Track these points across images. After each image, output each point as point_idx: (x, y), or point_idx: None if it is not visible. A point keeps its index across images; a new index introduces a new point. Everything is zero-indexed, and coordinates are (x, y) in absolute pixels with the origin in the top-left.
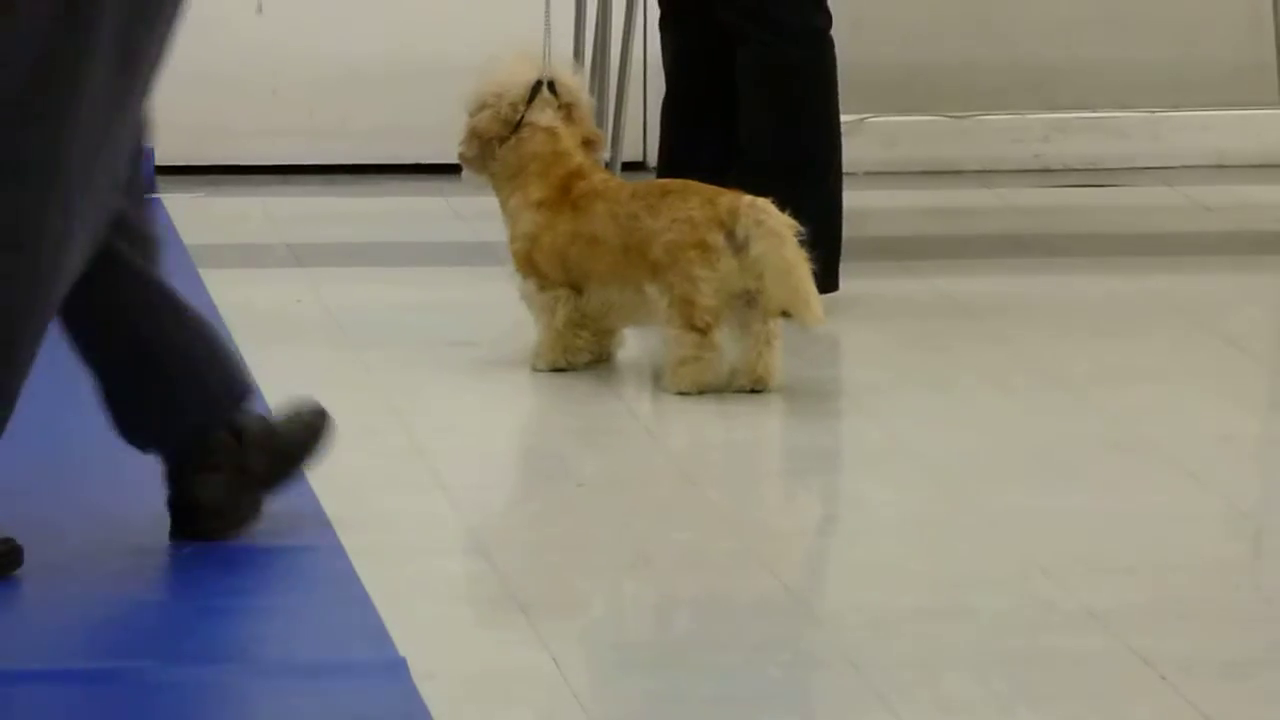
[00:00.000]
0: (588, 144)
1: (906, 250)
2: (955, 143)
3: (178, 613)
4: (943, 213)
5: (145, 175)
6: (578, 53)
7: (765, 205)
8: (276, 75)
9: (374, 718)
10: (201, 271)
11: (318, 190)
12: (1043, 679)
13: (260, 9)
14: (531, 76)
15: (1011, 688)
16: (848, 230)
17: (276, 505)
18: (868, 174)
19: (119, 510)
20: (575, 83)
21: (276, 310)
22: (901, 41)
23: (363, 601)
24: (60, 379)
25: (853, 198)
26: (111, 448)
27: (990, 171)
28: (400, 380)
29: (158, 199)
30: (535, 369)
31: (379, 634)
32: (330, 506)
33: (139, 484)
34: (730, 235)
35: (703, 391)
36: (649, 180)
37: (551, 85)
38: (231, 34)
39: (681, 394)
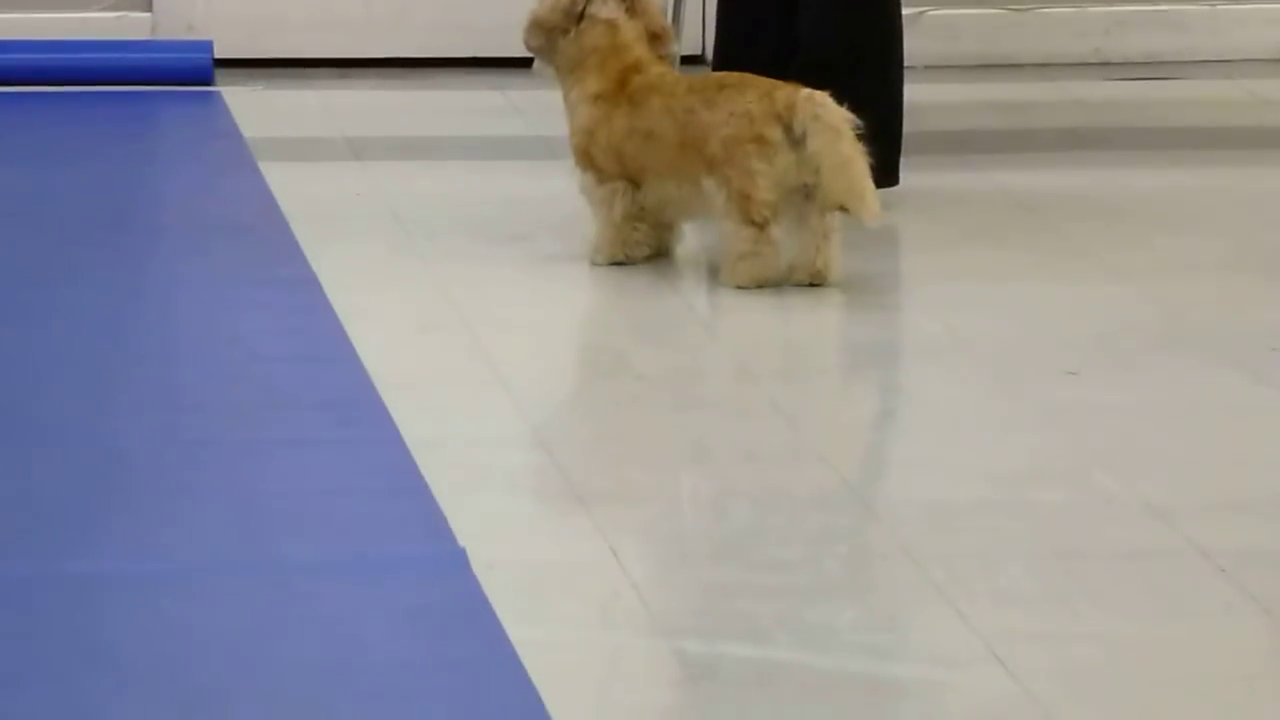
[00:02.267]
0: (654, 38)
1: (966, 144)
2: (1015, 36)
3: (231, 508)
4: (1002, 106)
5: (204, 68)
6: None
7: (823, 99)
8: None
9: (434, 608)
10: (261, 164)
11: (376, 84)
12: (1101, 572)
13: None
14: None
15: (1069, 581)
16: (907, 125)
17: (334, 395)
18: (927, 67)
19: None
20: None
21: (335, 204)
22: None
23: (422, 493)
24: None
25: (912, 91)
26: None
27: (1050, 65)
28: (458, 274)
29: (217, 92)
30: (594, 263)
31: (439, 525)
32: (389, 398)
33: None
34: (788, 129)
35: (761, 286)
36: (706, 74)
37: None
38: None
39: (739, 288)
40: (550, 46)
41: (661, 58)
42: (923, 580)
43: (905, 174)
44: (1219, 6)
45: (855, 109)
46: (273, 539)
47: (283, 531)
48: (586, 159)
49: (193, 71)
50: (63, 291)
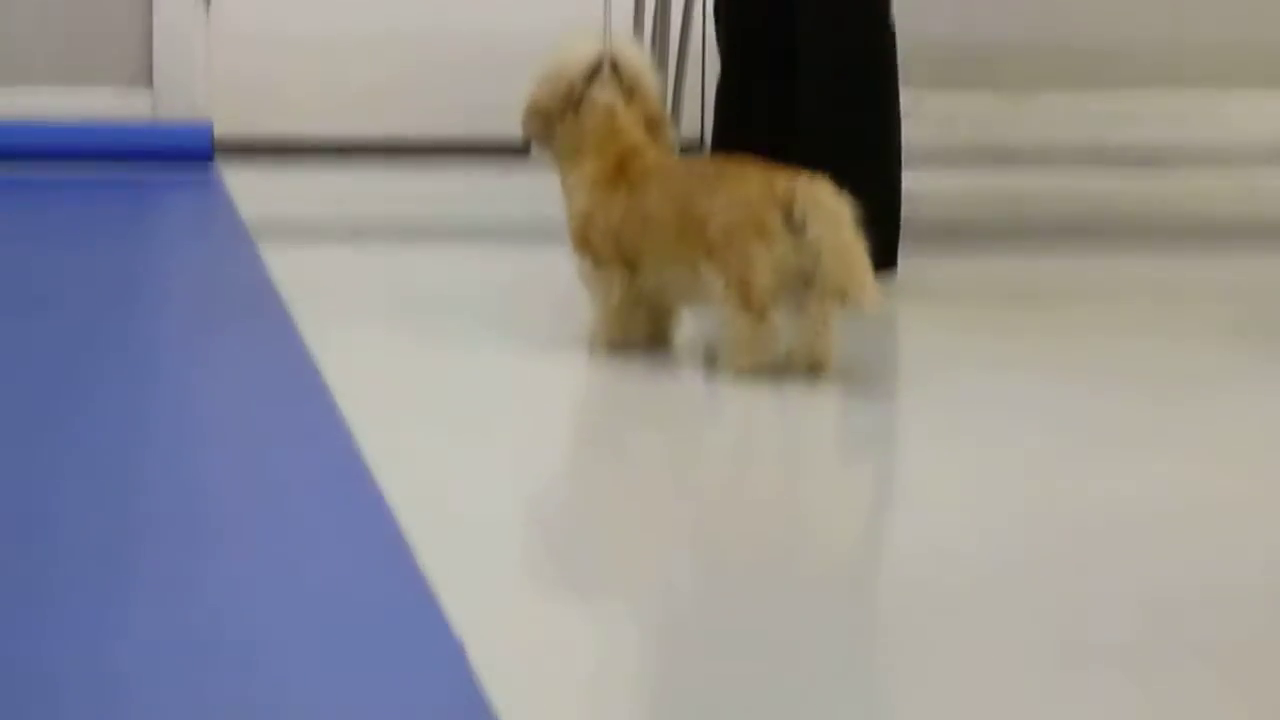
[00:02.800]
0: (652, 123)
1: (965, 232)
2: (1014, 125)
3: (225, 591)
4: (1001, 195)
5: (204, 149)
6: (637, 30)
7: (823, 186)
8: (336, 50)
9: (428, 704)
10: (260, 245)
11: (377, 166)
12: (1097, 665)
13: None
14: (593, 54)
15: (1065, 672)
16: (906, 211)
17: (328, 476)
18: (926, 154)
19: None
20: (638, 61)
21: (333, 285)
22: (961, 20)
23: (415, 577)
24: None
25: (911, 178)
26: None
27: (1049, 154)
28: (456, 356)
29: (216, 174)
30: (592, 348)
31: (432, 612)
32: (383, 480)
33: None
34: (787, 215)
35: (759, 373)
36: (704, 159)
37: (613, 64)
38: (292, 9)
39: (738, 375)
40: (549, 131)
41: (660, 143)
42: (919, 667)
43: (904, 261)
44: (1217, 98)
45: (854, 195)
46: (268, 623)
47: (276, 615)
48: (585, 244)
49: (193, 152)
50: (65, 370)
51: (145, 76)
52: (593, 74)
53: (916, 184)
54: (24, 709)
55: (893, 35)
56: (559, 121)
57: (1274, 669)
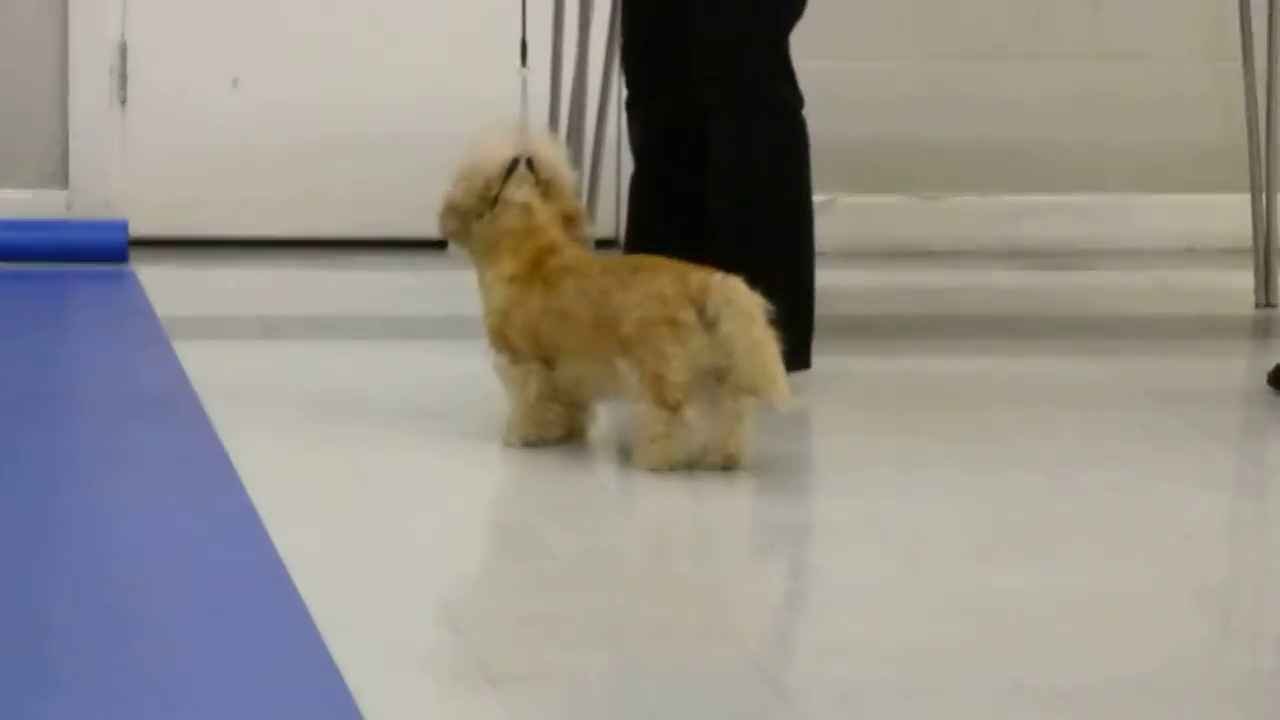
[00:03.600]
0: (568, 220)
1: (877, 329)
2: (926, 224)
3: (140, 688)
4: (914, 292)
5: (119, 247)
6: (552, 126)
7: (735, 283)
8: (250, 149)
9: None
10: (174, 342)
11: (290, 263)
12: None
13: (236, 84)
14: (510, 152)
15: None
16: (819, 309)
17: (243, 573)
18: (839, 252)
19: None
20: (555, 158)
21: (247, 381)
22: (872, 121)
23: (331, 673)
24: None
25: (824, 276)
26: None
27: (961, 252)
28: (371, 453)
29: (131, 271)
30: (508, 442)
31: (347, 707)
32: (299, 577)
33: None
34: (701, 312)
35: (673, 468)
36: (620, 256)
37: (530, 161)
38: (206, 108)
39: (653, 470)
40: (465, 230)
41: (576, 240)
42: None
43: (817, 358)
44: (1128, 196)
45: (767, 292)
46: (182, 718)
47: (191, 712)
48: (501, 339)
49: (108, 250)
50: None
51: (61, 177)
52: (509, 171)
53: (830, 281)
54: None
55: (805, 134)
56: (475, 219)
57: None
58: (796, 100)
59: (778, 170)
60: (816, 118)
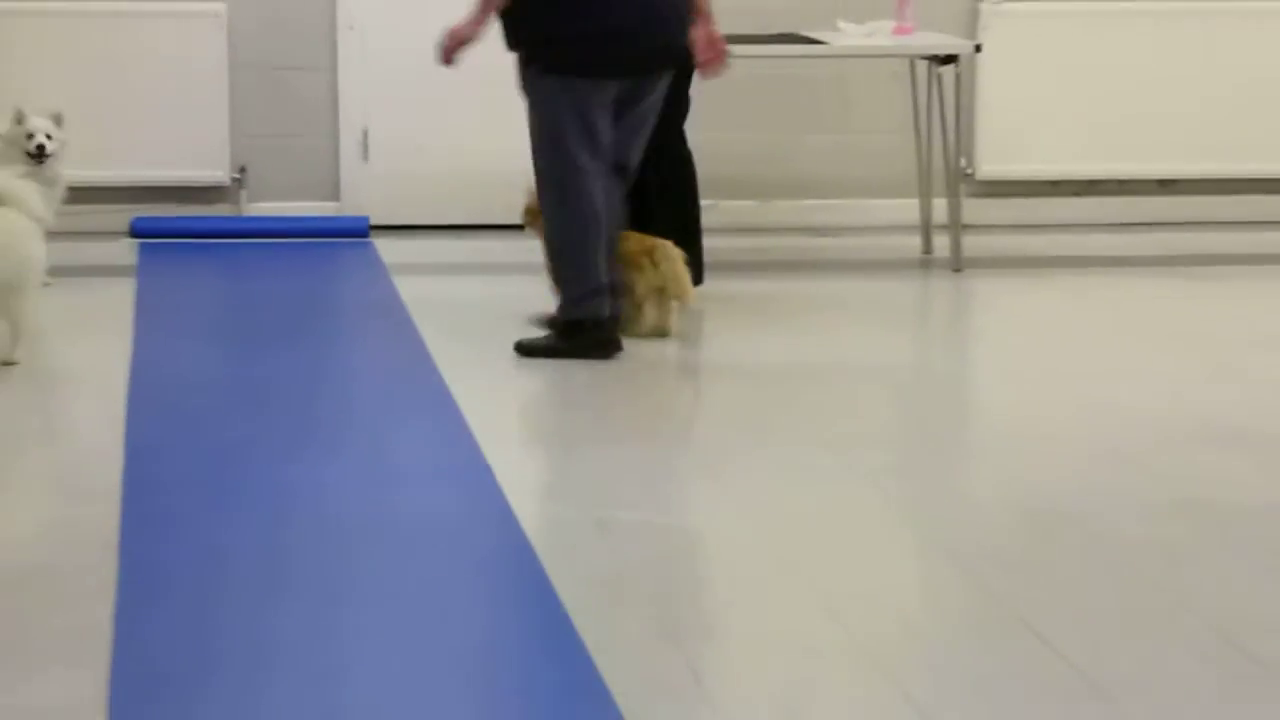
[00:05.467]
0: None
1: (735, 266)
2: (763, 216)
3: None
4: (759, 249)
5: (363, 230)
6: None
7: (667, 244)
8: (430, 179)
9: None
10: (394, 278)
11: (469, 237)
12: None
13: (419, 150)
14: None
15: None
16: (707, 255)
17: (441, 455)
18: (717, 228)
19: None
20: None
21: (425, 298)
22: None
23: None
24: None
25: (708, 239)
26: None
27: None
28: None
29: (371, 243)
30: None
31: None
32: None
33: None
34: (651, 257)
35: (638, 335)
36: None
37: None
38: (409, 159)
39: (629, 335)
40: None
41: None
42: None
43: (707, 279)
44: (865, 201)
45: (680, 246)
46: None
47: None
48: None
49: (358, 231)
50: (268, 359)
51: (335, 194)
52: None
53: (711, 243)
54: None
55: (693, 166)
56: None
57: None
58: (687, 149)
59: (683, 188)
60: (708, 157)
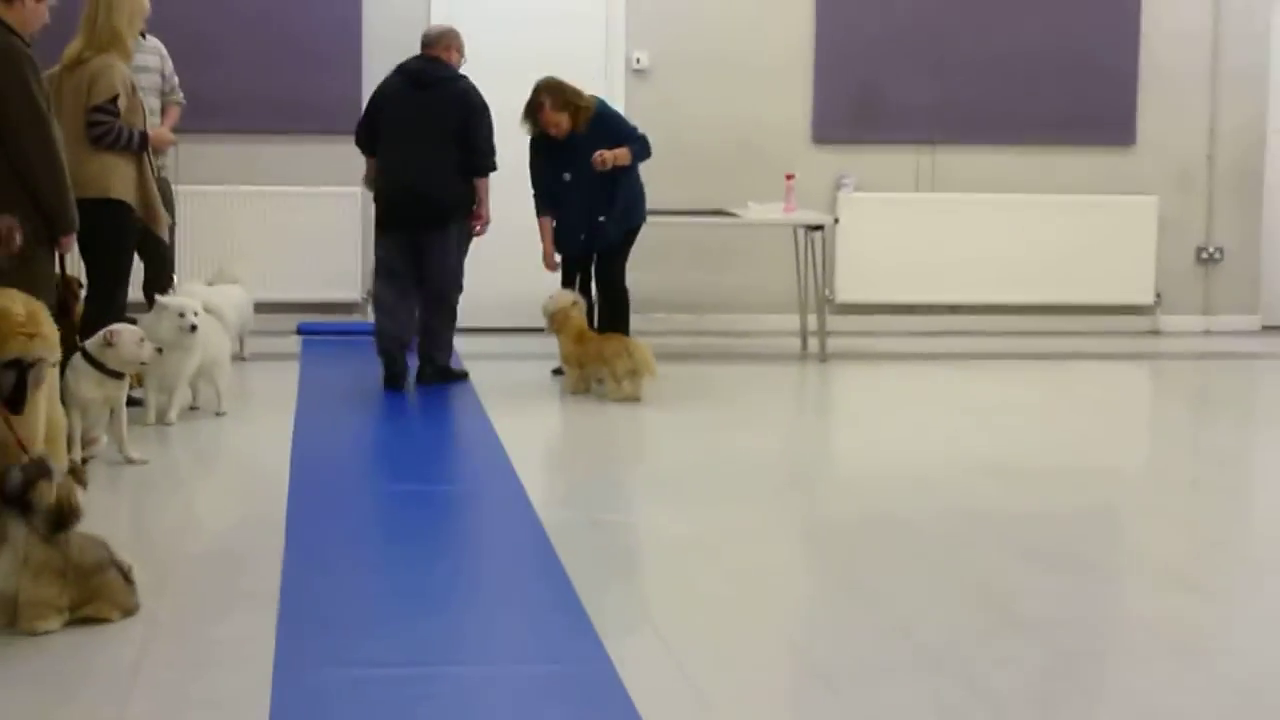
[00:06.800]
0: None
1: (679, 353)
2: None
3: None
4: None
5: None
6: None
7: (637, 341)
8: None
9: None
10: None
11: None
12: None
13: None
14: (571, 297)
15: None
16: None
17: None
18: (648, 328)
19: None
20: (572, 300)
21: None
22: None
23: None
24: None
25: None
26: None
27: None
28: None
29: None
30: (565, 392)
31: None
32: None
33: None
34: (628, 351)
35: (617, 401)
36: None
37: (575, 302)
38: None
39: (614, 400)
40: (553, 326)
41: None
42: None
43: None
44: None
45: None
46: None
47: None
48: (567, 361)
49: None
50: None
51: None
52: (572, 303)
53: (661, 340)
54: None
55: (626, 292)
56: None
57: None
58: (622, 278)
59: (619, 305)
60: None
